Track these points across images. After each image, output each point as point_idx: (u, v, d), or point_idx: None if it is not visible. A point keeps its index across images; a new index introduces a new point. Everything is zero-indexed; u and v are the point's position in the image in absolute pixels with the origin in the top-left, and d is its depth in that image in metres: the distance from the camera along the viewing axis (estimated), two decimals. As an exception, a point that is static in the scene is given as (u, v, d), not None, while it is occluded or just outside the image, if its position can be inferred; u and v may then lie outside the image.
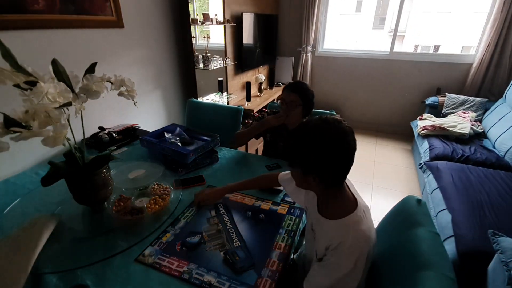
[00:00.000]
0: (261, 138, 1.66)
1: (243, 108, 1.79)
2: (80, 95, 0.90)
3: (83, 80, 0.91)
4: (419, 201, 0.84)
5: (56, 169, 0.91)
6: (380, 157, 3.01)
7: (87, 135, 1.61)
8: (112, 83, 0.99)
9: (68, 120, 0.87)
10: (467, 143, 2.38)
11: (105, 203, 1.05)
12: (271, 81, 3.49)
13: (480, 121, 2.70)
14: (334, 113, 1.66)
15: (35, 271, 0.77)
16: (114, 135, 1.59)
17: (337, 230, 0.72)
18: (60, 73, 0.88)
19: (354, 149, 0.69)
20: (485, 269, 1.21)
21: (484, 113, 2.74)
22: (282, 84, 3.65)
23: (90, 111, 1.58)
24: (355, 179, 2.57)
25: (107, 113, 1.73)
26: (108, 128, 1.63)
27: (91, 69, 0.95)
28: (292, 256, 1.02)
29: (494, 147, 2.31)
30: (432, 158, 2.21)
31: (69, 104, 0.81)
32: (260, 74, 3.20)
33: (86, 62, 0.95)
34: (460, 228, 1.44)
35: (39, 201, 1.11)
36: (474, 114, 2.68)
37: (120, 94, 1.02)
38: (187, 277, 0.80)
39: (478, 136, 2.51)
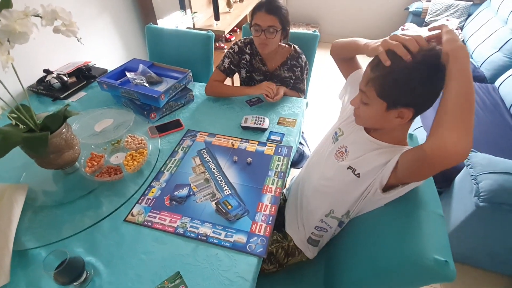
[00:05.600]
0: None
1: (213, 33, 1.55)
2: (5, 42, 0.69)
3: (-1, 20, 0.68)
4: (410, 135, 0.83)
5: (5, 137, 0.77)
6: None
7: (32, 81, 1.36)
8: (41, 17, 0.76)
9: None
10: (446, 55, 2.34)
11: (76, 163, 0.95)
12: (241, -8, 3.00)
13: (462, 28, 2.60)
14: (318, 33, 1.48)
15: (19, 248, 0.73)
16: (65, 78, 1.35)
17: (394, 150, 0.72)
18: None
19: None
20: (452, 180, 1.35)
21: (467, 19, 2.61)
22: (254, -6, 3.16)
23: (27, 52, 1.29)
24: (333, 94, 2.56)
25: (51, 51, 1.43)
26: (56, 70, 1.38)
27: (6, 2, 0.70)
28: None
29: (471, 57, 2.30)
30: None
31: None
32: (227, -16, 2.71)
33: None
34: (434, 145, 1.52)
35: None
36: (457, 21, 2.56)
37: (56, 31, 0.79)
38: (182, 232, 0.80)
39: (457, 46, 2.45)
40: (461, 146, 0.54)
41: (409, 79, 0.62)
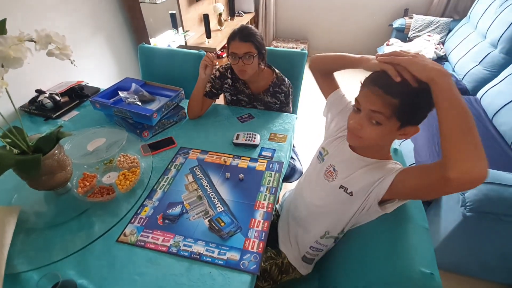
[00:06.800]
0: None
1: (205, 52, 1.59)
2: (-2, 68, 0.70)
3: (-6, 46, 0.69)
4: (395, 150, 0.86)
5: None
6: (346, 85, 3.02)
7: (24, 101, 1.36)
8: (35, 42, 0.78)
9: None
10: (429, 68, 2.43)
11: (68, 184, 0.95)
12: (232, 11, 3.09)
13: (443, 43, 2.72)
14: (306, 51, 1.54)
15: (11, 271, 0.72)
16: (58, 98, 1.36)
17: (382, 166, 0.74)
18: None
19: None
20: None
21: (447, 34, 2.74)
22: (244, 13, 3.27)
23: (19, 72, 1.29)
24: (319, 108, 2.60)
25: (43, 71, 1.45)
26: (49, 90, 1.39)
27: (0, 29, 0.72)
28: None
29: (453, 70, 2.40)
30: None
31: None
32: (218, 3, 2.80)
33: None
34: (421, 156, 1.57)
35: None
36: (438, 37, 2.68)
37: (50, 54, 0.81)
38: (175, 251, 0.80)
39: (439, 60, 2.56)
40: (484, 169, 0.54)
41: (429, 101, 0.61)
